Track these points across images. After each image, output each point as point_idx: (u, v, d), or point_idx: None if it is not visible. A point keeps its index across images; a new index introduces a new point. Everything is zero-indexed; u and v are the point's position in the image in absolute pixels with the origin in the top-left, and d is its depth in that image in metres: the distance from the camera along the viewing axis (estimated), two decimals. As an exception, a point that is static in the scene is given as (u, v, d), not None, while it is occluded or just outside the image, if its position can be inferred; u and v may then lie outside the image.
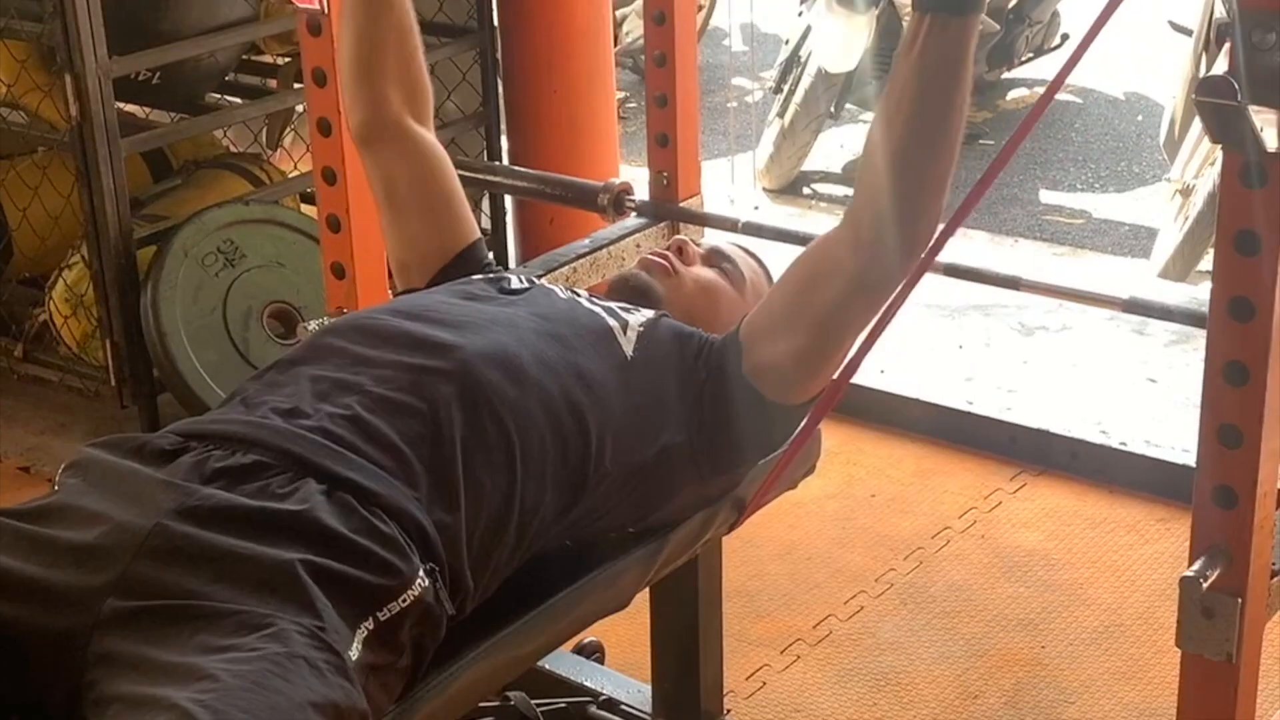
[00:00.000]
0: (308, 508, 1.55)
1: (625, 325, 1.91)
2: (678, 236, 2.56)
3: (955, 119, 1.69)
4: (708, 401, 1.87)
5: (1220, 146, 1.61)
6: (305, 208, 3.77)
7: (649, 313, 1.97)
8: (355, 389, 1.70)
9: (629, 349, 1.88)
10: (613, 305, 1.97)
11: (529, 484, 1.73)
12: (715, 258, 2.15)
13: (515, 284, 2.00)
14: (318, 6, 2.51)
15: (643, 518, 1.92)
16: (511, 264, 3.96)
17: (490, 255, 2.19)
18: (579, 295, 2.00)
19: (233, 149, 4.09)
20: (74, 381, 3.55)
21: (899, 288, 1.76)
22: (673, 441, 1.86)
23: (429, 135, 2.14)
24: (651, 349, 1.89)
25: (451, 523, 1.65)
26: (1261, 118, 1.54)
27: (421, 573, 1.58)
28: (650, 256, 2.15)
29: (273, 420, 1.66)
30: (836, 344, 1.83)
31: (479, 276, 2.04)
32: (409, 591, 1.57)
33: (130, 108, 3.84)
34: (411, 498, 1.63)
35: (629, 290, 2.09)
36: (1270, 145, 1.55)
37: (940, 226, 1.74)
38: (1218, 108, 1.57)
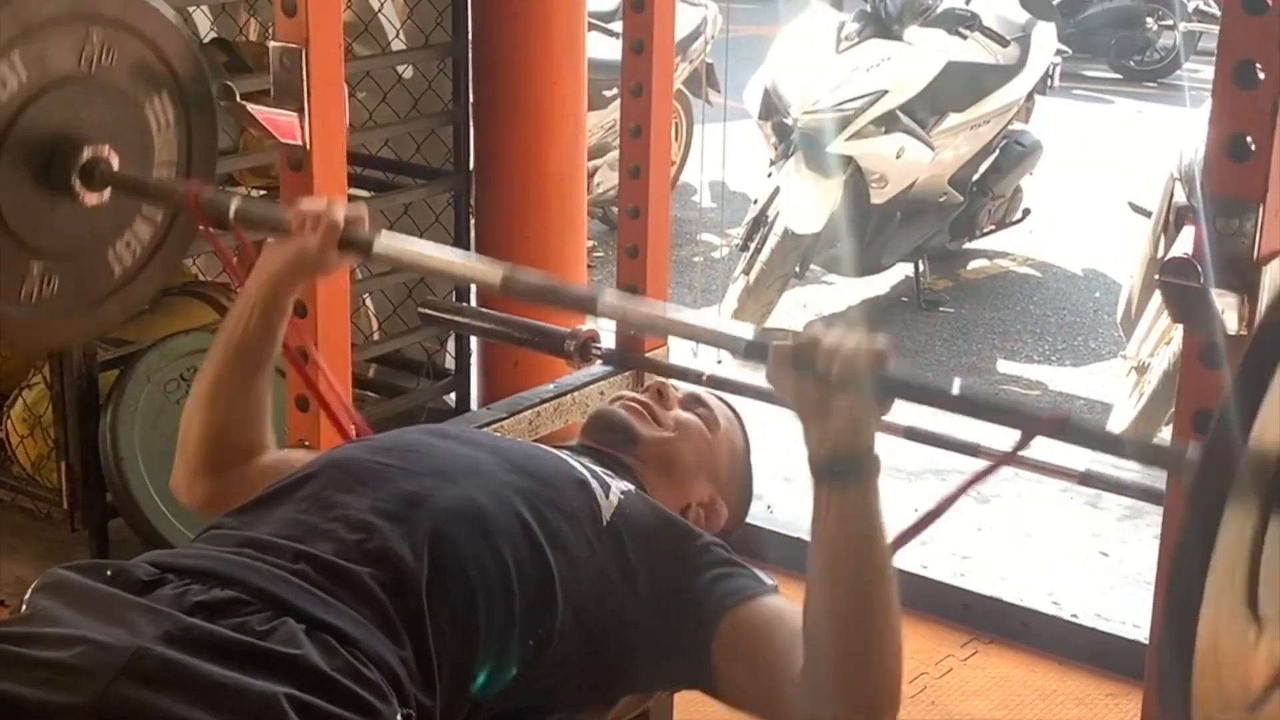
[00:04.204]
0: (293, 644, 1.54)
1: (607, 489, 1.88)
2: (656, 379, 2.56)
3: (880, 577, 1.63)
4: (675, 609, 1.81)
5: (1180, 326, 1.64)
6: (270, 339, 3.77)
7: (628, 485, 1.94)
8: (329, 536, 1.70)
9: (607, 514, 1.84)
10: (595, 469, 1.93)
11: (491, 637, 1.71)
12: (692, 402, 2.17)
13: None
14: (300, 142, 2.55)
15: (598, 692, 1.88)
16: (474, 406, 3.96)
17: None
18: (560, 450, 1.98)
19: (201, 277, 4.10)
20: (25, 502, 3.51)
21: None
22: (634, 619, 1.81)
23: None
24: (631, 519, 1.86)
25: (420, 672, 1.64)
26: (1223, 300, 1.58)
27: (399, 716, 1.57)
28: (629, 401, 2.15)
29: (248, 559, 1.65)
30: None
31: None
32: None
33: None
34: (384, 643, 1.62)
35: (607, 428, 2.09)
36: (1231, 327, 1.58)
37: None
38: (1180, 289, 1.61)
